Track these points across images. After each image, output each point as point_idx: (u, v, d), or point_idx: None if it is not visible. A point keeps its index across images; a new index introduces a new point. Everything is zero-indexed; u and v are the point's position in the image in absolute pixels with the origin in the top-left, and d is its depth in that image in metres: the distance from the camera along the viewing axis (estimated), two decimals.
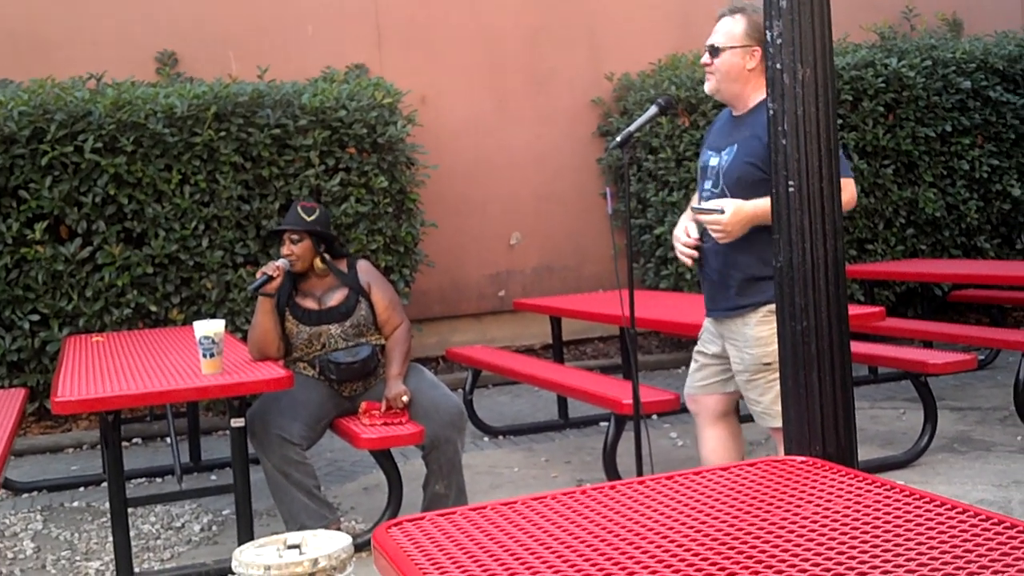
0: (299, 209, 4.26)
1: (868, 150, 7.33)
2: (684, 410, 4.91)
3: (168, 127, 5.95)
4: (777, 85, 2.41)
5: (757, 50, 3.32)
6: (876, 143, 7.31)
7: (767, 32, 2.44)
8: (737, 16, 3.37)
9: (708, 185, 3.44)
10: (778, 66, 2.41)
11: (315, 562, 3.04)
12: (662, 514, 1.75)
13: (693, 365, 3.63)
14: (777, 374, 2.53)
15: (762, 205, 3.24)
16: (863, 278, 6.81)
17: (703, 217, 3.31)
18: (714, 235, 3.31)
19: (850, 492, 1.79)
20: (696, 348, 3.63)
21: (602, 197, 7.70)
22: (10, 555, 4.28)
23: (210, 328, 3.75)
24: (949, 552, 1.50)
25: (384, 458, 4.10)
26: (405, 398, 4.07)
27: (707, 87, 3.47)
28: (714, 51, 3.39)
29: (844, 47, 7.57)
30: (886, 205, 7.40)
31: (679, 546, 1.59)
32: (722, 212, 3.25)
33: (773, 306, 2.70)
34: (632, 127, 3.56)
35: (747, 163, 3.30)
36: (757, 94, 3.33)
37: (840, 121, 7.16)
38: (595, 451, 4.82)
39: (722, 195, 3.35)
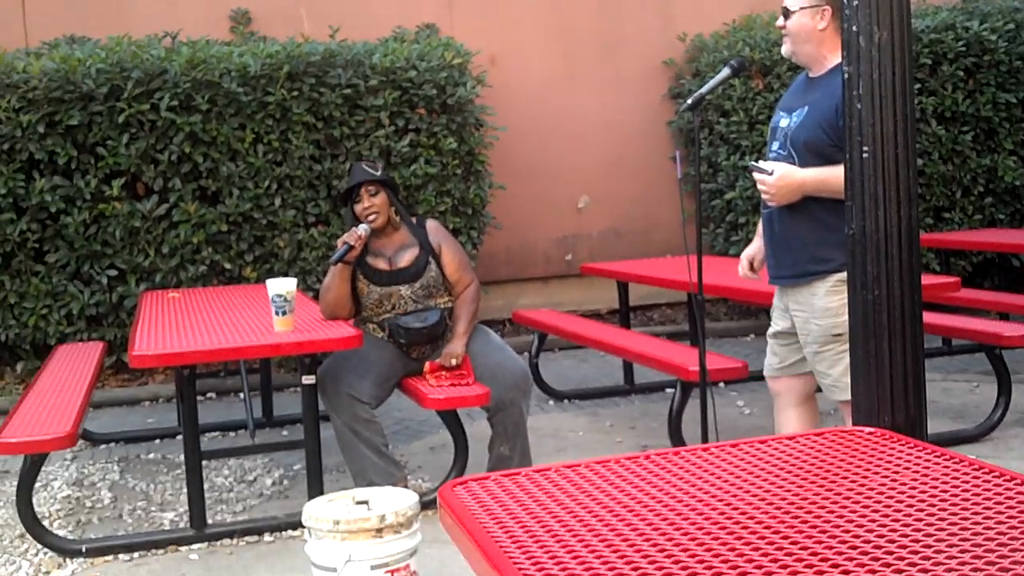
0: (364, 167, 4.28)
1: (947, 116, 7.16)
2: (752, 379, 4.90)
3: (242, 86, 6.01)
4: (853, 48, 2.37)
5: (827, 9, 3.27)
6: (955, 108, 7.14)
7: None
8: None
9: (775, 147, 3.41)
10: (854, 28, 2.36)
11: (382, 518, 3.09)
12: (726, 481, 1.76)
13: (769, 348, 3.59)
14: (847, 345, 2.51)
15: (814, 175, 3.21)
16: (939, 247, 6.68)
17: (754, 173, 3.33)
18: (762, 196, 3.32)
19: (918, 465, 1.78)
20: (769, 330, 3.59)
21: (671, 161, 7.63)
22: (88, 504, 4.41)
23: (283, 287, 3.81)
24: (1018, 528, 1.48)
25: (450, 418, 4.14)
26: (455, 360, 4.09)
27: (784, 50, 3.44)
28: (786, 13, 3.35)
29: (923, 9, 7.39)
30: (964, 172, 7.23)
31: (742, 514, 1.60)
32: (771, 173, 3.24)
33: (843, 275, 2.66)
34: (704, 89, 3.53)
35: (815, 127, 3.25)
36: (834, 55, 3.28)
37: (918, 86, 6.99)
38: (660, 417, 4.81)
39: (788, 158, 3.31)
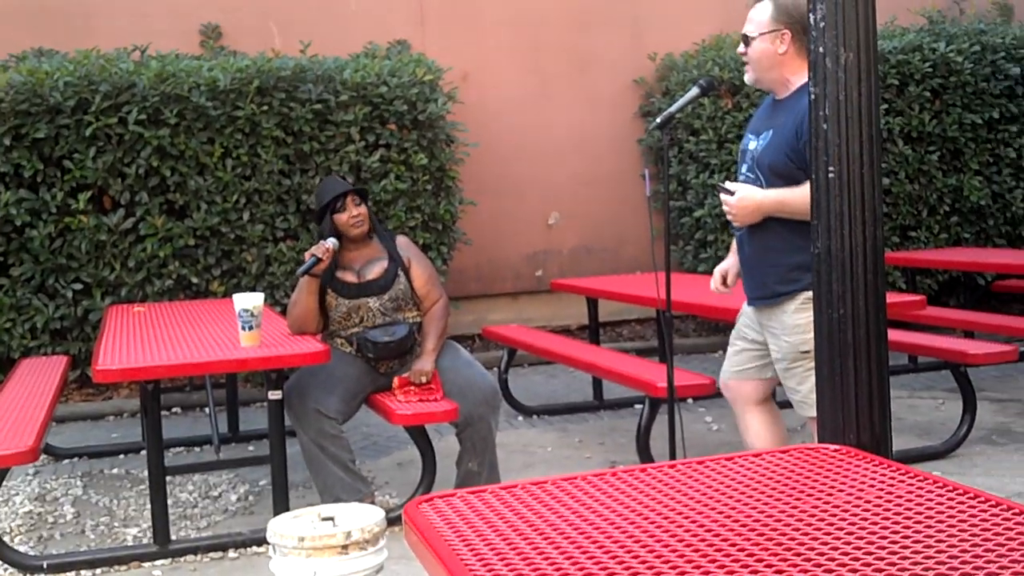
0: (339, 178, 4.27)
1: (913, 136, 7.24)
2: (719, 394, 4.90)
3: (211, 100, 5.99)
4: (819, 69, 2.39)
5: (786, 33, 3.29)
6: (922, 128, 7.22)
7: (810, 15, 2.41)
8: (764, 1, 3.35)
9: (744, 169, 3.45)
10: (820, 49, 2.38)
11: (348, 534, 3.07)
12: (692, 498, 1.76)
13: (731, 349, 3.62)
14: (815, 363, 2.52)
15: (773, 196, 3.25)
16: (905, 265, 6.75)
17: (720, 194, 3.38)
18: (726, 216, 3.37)
19: (883, 482, 1.79)
20: (733, 333, 3.62)
21: (641, 178, 7.66)
22: (51, 519, 4.35)
23: (249, 301, 3.78)
24: (981, 545, 1.49)
25: (418, 434, 4.13)
26: (424, 378, 4.08)
27: (747, 79, 3.47)
28: (746, 40, 3.38)
29: (891, 31, 7.48)
30: (930, 192, 7.31)
31: (708, 531, 1.60)
32: (732, 194, 3.29)
33: (811, 293, 2.69)
34: (673, 108, 3.54)
35: (778, 152, 3.29)
36: (797, 77, 3.31)
37: (885, 106, 7.07)
38: (629, 433, 4.82)
39: (756, 180, 3.35)
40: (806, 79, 3.26)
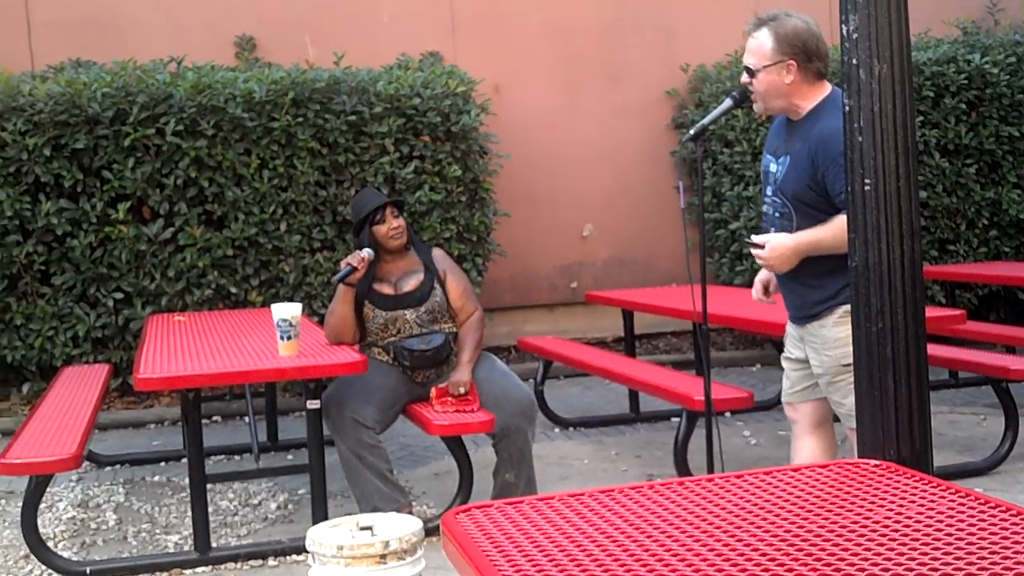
0: (375, 190, 4.31)
1: (950, 148, 7.19)
2: (758, 408, 4.90)
3: (247, 111, 6.05)
4: (853, 81, 2.39)
5: (791, 63, 3.22)
6: (958, 141, 7.17)
7: (842, 26, 2.41)
8: (763, 31, 3.27)
9: (769, 192, 3.41)
10: (854, 61, 2.38)
11: (386, 544, 3.09)
12: (730, 512, 1.76)
13: (784, 374, 3.59)
14: None
15: (807, 239, 3.22)
16: (944, 280, 6.69)
17: (751, 249, 3.36)
18: (763, 267, 3.34)
19: (923, 498, 1.78)
20: (783, 355, 3.59)
21: (675, 191, 7.65)
22: (93, 525, 4.41)
23: (287, 311, 3.83)
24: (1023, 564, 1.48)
25: (455, 445, 4.15)
26: (462, 389, 4.10)
27: (756, 108, 3.40)
28: (750, 72, 3.31)
29: (925, 42, 7.42)
30: (968, 205, 7.25)
31: (746, 545, 1.60)
32: (762, 247, 3.26)
33: (849, 306, 2.68)
34: (706, 120, 3.53)
35: (799, 182, 3.25)
36: (807, 102, 3.27)
37: (920, 118, 7.03)
38: (666, 446, 4.81)
39: (783, 204, 3.32)
40: (815, 102, 3.27)
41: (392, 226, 4.24)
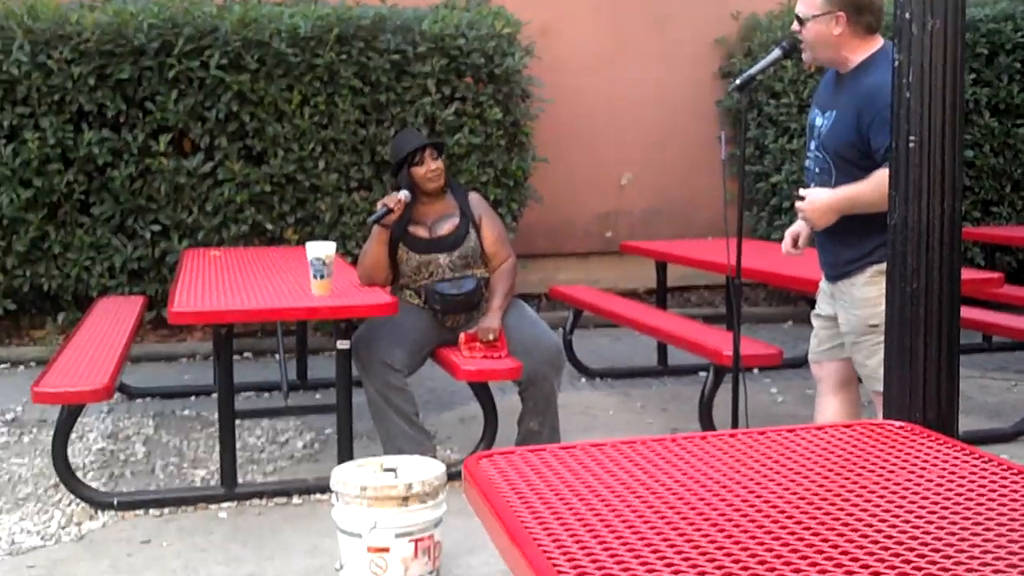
0: (416, 131, 4.29)
1: (1001, 107, 7.04)
2: (786, 366, 4.86)
3: (291, 47, 6.02)
4: (904, 35, 2.34)
5: (840, 15, 3.19)
6: (1010, 100, 7.01)
7: None
8: None
9: (812, 146, 3.38)
10: (907, 16, 2.33)
11: (409, 486, 3.12)
12: (751, 469, 1.75)
13: (813, 331, 3.57)
14: (883, 336, 2.48)
15: (845, 195, 3.18)
16: (984, 241, 6.59)
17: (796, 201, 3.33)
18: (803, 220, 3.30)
19: (946, 462, 1.76)
20: (813, 311, 3.57)
21: (717, 140, 7.55)
22: (122, 457, 4.48)
23: (321, 250, 3.83)
24: None
25: (481, 391, 4.16)
26: (491, 335, 4.10)
27: (804, 57, 3.37)
28: (800, 21, 3.29)
29: None
30: (1015, 167, 7.11)
31: (765, 501, 1.60)
32: (803, 199, 3.23)
33: (882, 267, 2.64)
34: (753, 70, 3.48)
35: (842, 139, 3.22)
36: (857, 55, 3.23)
37: (973, 76, 6.88)
38: (692, 400, 4.80)
39: (824, 160, 3.29)
40: (865, 55, 3.22)
41: (431, 168, 4.23)
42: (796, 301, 7.09)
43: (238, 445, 4.19)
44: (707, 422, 4.33)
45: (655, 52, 7.58)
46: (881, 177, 2.80)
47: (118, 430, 4.83)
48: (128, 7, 6.02)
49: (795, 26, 3.33)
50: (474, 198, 4.42)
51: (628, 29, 7.55)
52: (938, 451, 1.82)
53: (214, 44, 5.94)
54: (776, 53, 3.47)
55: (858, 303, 3.26)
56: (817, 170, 3.33)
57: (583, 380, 5.75)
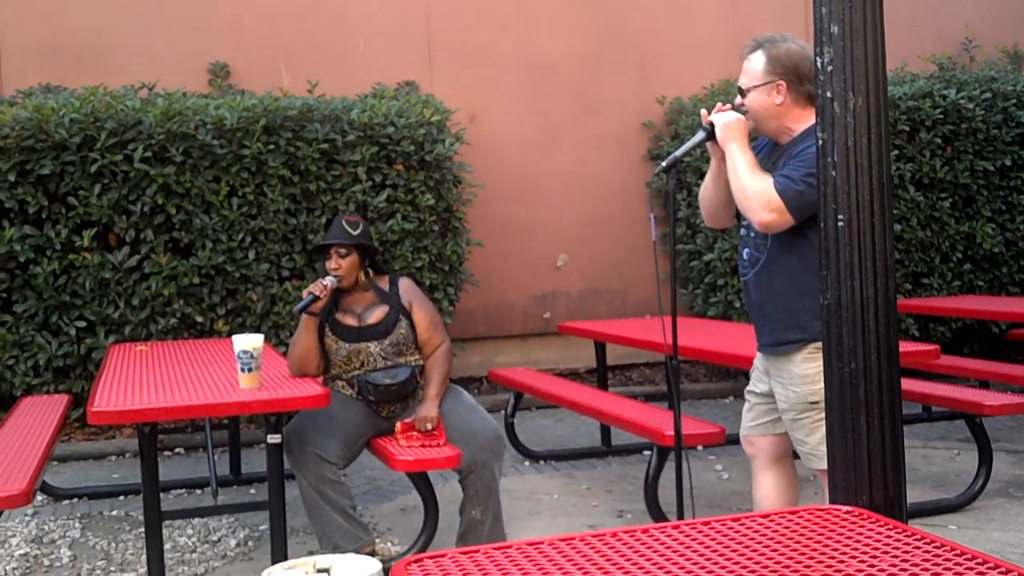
0: (344, 223, 4.23)
1: (925, 182, 7.18)
2: (730, 443, 4.80)
3: (217, 139, 5.97)
4: (827, 114, 2.33)
5: (781, 84, 3.23)
6: (933, 175, 7.16)
7: (816, 59, 2.36)
8: (757, 52, 3.28)
9: (744, 222, 3.39)
10: (828, 94, 2.33)
11: None
12: (696, 563, 1.68)
13: (745, 405, 3.54)
14: (823, 414, 2.45)
15: (741, 148, 3.23)
16: (918, 313, 6.66)
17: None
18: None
19: (897, 548, 1.71)
20: (747, 388, 3.54)
21: (648, 221, 7.60)
22: (46, 562, 4.28)
23: (249, 343, 3.72)
24: None
25: (420, 481, 4.05)
26: (429, 425, 4.01)
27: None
28: (742, 92, 3.33)
29: (901, 77, 7.43)
30: (943, 239, 7.24)
31: None
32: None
33: (819, 343, 2.61)
34: (679, 152, 3.49)
35: None
36: (799, 124, 3.26)
37: (896, 152, 7.02)
38: (637, 480, 4.73)
39: (757, 234, 3.29)
40: (807, 124, 3.23)
41: (332, 266, 4.16)
42: (736, 376, 7.08)
43: (168, 545, 4.02)
44: (653, 504, 4.26)
45: (584, 136, 7.65)
46: (762, 183, 3.07)
47: (43, 534, 4.62)
48: (49, 102, 5.94)
49: (738, 99, 3.35)
50: (404, 284, 4.35)
51: (556, 115, 7.63)
52: (888, 537, 1.77)
53: (137, 137, 5.86)
54: (700, 135, 3.48)
55: (797, 380, 3.23)
56: (752, 234, 3.33)
57: (527, 463, 5.65)
